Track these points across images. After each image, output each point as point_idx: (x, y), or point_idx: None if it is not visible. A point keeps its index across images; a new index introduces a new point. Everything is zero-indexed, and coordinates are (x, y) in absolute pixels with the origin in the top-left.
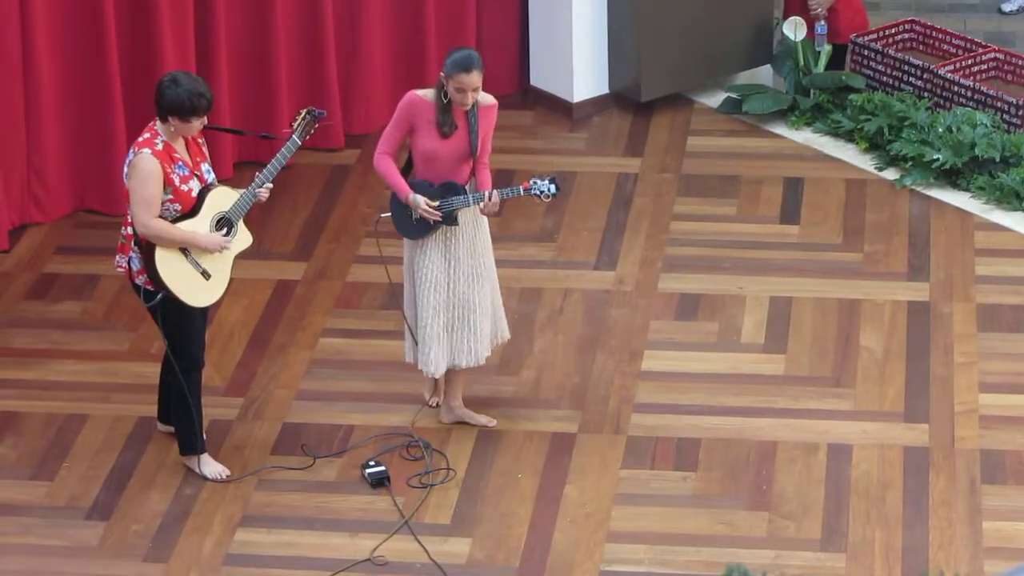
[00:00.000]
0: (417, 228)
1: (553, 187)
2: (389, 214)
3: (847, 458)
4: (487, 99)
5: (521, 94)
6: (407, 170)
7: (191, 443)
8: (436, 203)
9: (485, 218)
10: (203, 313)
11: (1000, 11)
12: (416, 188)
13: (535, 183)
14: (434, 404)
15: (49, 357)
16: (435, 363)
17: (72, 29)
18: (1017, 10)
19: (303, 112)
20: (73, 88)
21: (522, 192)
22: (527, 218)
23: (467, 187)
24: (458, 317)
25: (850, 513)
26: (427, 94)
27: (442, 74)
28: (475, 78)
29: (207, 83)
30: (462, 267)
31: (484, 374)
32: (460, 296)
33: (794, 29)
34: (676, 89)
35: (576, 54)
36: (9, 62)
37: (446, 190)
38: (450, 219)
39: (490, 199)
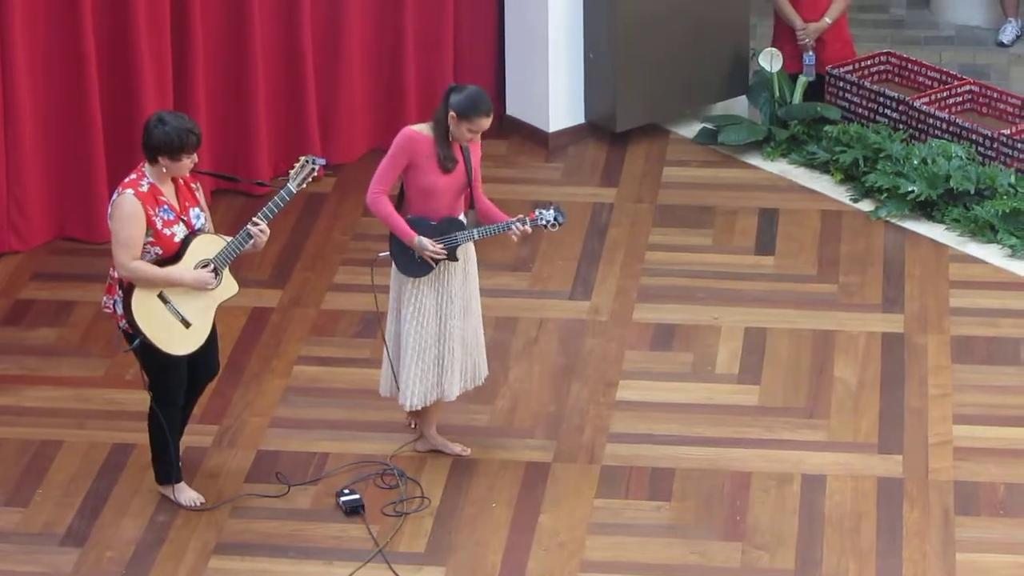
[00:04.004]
0: (421, 267)
1: (558, 216)
2: (388, 253)
3: (821, 489)
4: None
5: (497, 123)
6: (398, 206)
7: (166, 472)
8: (440, 242)
9: (474, 253)
10: (186, 359)
11: (1000, 44)
12: (415, 225)
13: (540, 213)
14: (415, 426)
15: (24, 383)
16: (418, 398)
17: (52, 59)
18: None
19: (302, 159)
20: (53, 118)
21: (528, 223)
22: (502, 247)
23: (464, 221)
24: (448, 351)
25: (824, 544)
26: (423, 129)
27: (453, 112)
28: (490, 121)
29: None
30: (455, 301)
31: (459, 403)
32: (450, 330)
33: (770, 60)
34: (652, 119)
35: (552, 84)
36: None
37: (448, 226)
38: (452, 255)
39: (523, 225)
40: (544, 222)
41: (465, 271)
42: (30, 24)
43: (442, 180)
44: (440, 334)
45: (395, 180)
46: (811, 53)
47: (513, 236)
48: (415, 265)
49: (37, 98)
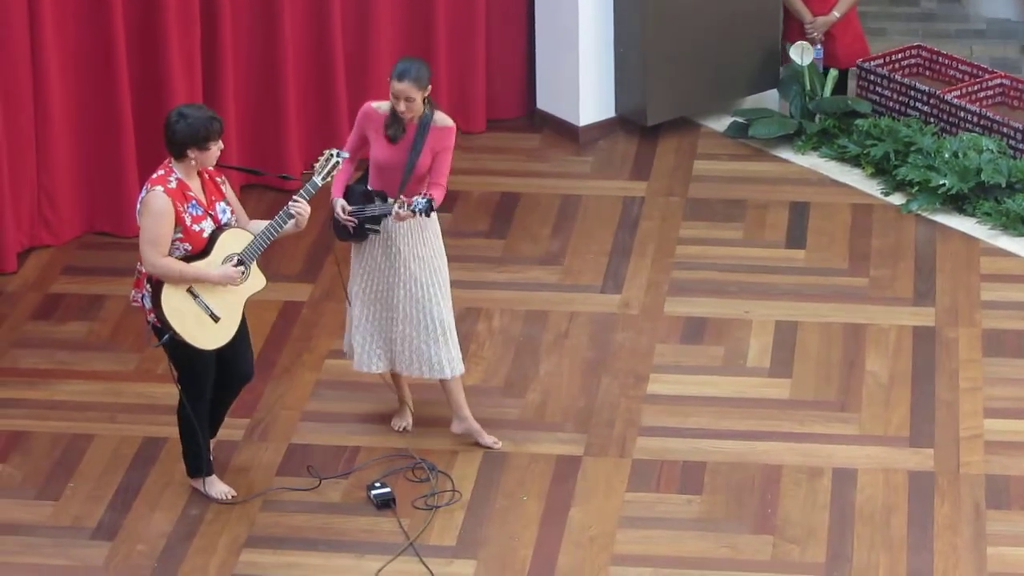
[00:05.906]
0: (344, 231)
1: (427, 208)
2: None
3: (852, 482)
4: (444, 121)
5: (528, 117)
6: (362, 180)
7: (197, 465)
8: (352, 209)
9: (435, 236)
10: (215, 353)
11: None
12: (348, 190)
13: (416, 200)
14: (401, 430)
15: (55, 377)
16: (363, 364)
17: (82, 54)
18: None
19: (327, 152)
20: (83, 112)
21: (405, 207)
22: (533, 241)
23: (393, 198)
24: (392, 323)
25: (855, 538)
26: (382, 105)
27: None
28: (405, 87)
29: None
30: (399, 280)
31: (489, 396)
32: (395, 304)
33: (800, 54)
34: (682, 113)
35: (583, 78)
36: (20, 86)
37: (366, 197)
38: (372, 224)
39: (401, 208)
40: (416, 208)
41: (414, 251)
42: (61, 20)
43: (389, 153)
44: (385, 306)
45: (356, 147)
46: (819, 47)
47: (394, 217)
48: (339, 227)
49: (68, 93)
